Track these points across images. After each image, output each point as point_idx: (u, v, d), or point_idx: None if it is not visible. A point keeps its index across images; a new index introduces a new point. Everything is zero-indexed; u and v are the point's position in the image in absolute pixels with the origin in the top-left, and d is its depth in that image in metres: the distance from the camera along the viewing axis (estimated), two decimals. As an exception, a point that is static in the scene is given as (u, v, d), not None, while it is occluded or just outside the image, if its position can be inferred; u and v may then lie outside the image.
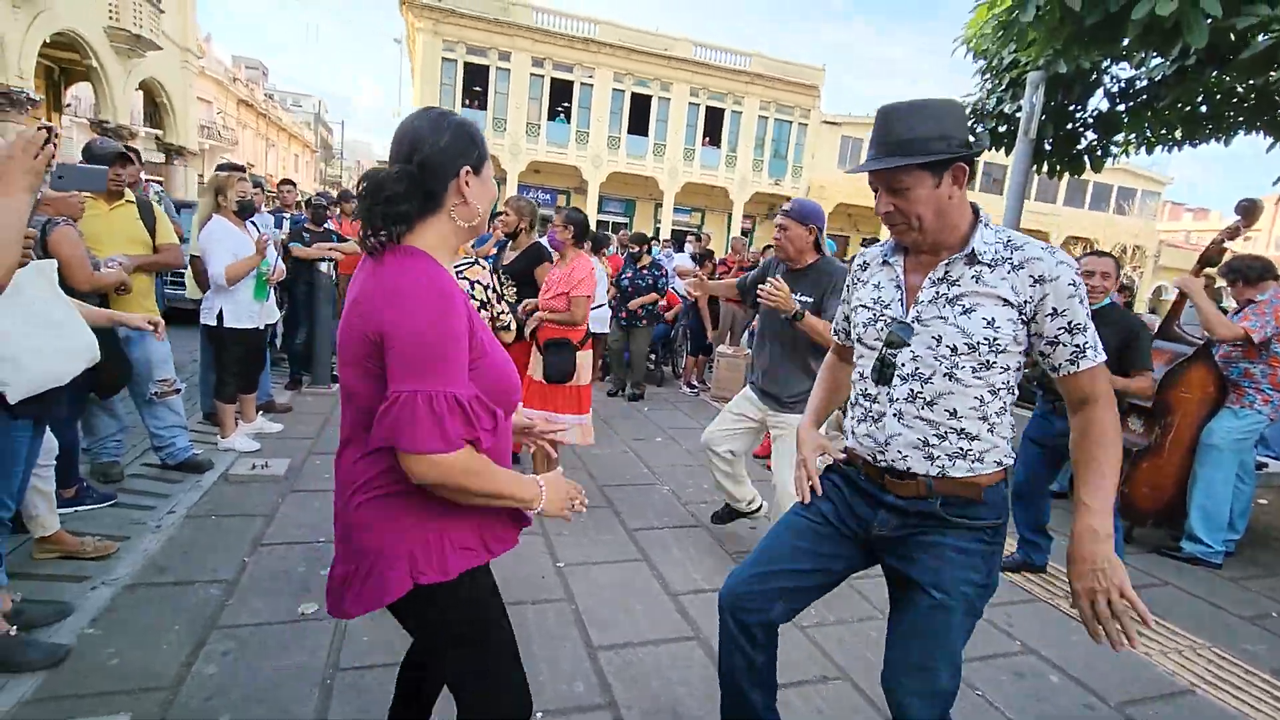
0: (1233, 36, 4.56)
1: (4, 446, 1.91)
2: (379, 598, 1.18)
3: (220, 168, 4.52)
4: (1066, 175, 7.03)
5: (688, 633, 2.55)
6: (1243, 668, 2.65)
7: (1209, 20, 4.22)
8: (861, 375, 1.53)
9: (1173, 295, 4.12)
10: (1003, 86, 6.75)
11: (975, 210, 1.42)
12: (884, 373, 1.46)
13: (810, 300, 2.83)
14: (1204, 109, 6.06)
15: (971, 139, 1.36)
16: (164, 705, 1.90)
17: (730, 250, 8.56)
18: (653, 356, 7.35)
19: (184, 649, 2.16)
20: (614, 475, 4.23)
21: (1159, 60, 5.48)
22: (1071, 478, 3.84)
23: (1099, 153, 6.77)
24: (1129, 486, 3.77)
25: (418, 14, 21.37)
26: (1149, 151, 6.79)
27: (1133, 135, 6.60)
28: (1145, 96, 6.10)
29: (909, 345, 1.41)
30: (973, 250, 1.36)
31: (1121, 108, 6.38)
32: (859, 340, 1.54)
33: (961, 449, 1.39)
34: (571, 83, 23.10)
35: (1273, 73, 4.16)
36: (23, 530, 2.58)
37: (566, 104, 23.32)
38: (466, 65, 22.15)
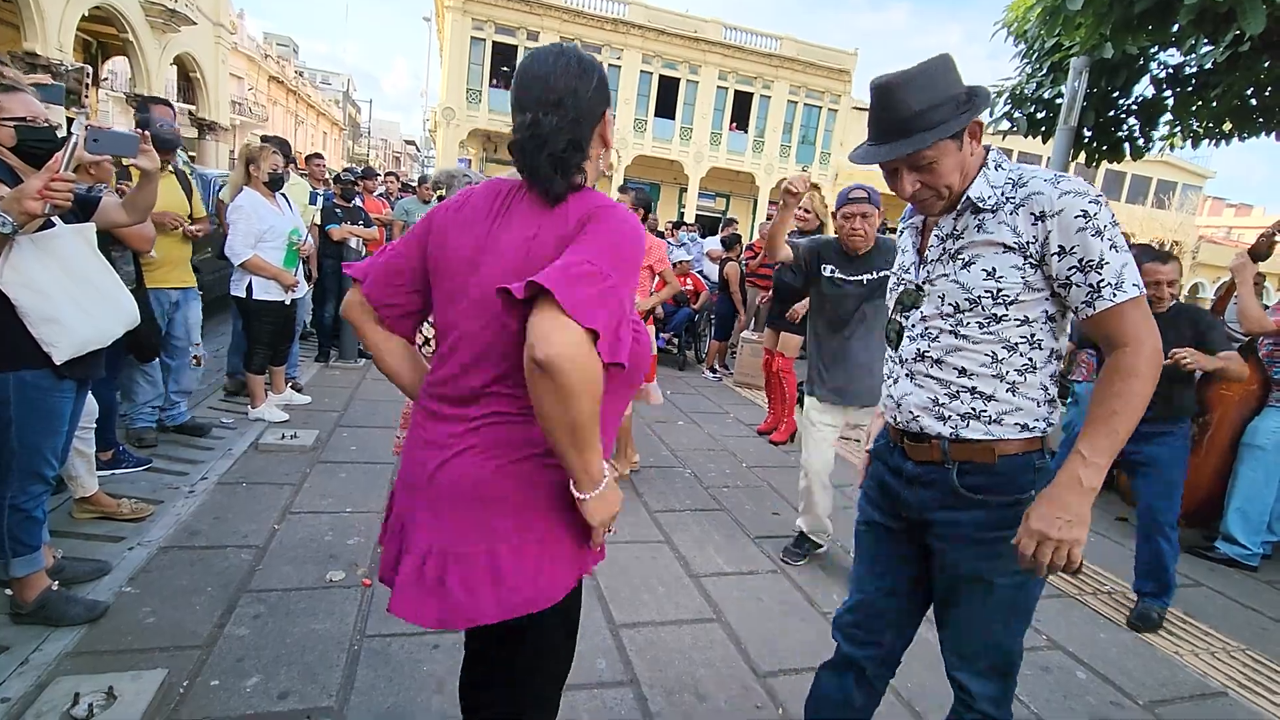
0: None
1: (50, 406, 1.95)
2: (531, 598, 1.08)
3: (265, 139, 4.55)
4: (1103, 167, 6.86)
5: (709, 614, 2.55)
6: (1279, 671, 2.59)
7: (1266, 5, 4.05)
8: (885, 340, 1.50)
9: (1209, 293, 3.99)
10: (1043, 71, 6.56)
11: (987, 153, 1.32)
12: (895, 336, 1.44)
13: (887, 272, 2.79)
14: (1254, 101, 5.83)
15: (970, 88, 1.26)
16: (198, 663, 1.95)
17: (758, 235, 8.48)
18: (675, 341, 7.33)
19: (216, 610, 2.21)
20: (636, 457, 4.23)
21: (1210, 47, 5.28)
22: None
23: (1140, 140, 6.57)
24: (1163, 485, 3.68)
25: (447, -8, 21.31)
26: (1195, 145, 6.57)
27: (1178, 127, 6.39)
28: (1194, 85, 5.89)
29: (920, 307, 1.36)
30: (971, 199, 1.27)
31: (1168, 95, 6.17)
32: (890, 310, 1.49)
33: (975, 409, 1.30)
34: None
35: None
36: (61, 490, 2.65)
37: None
38: (495, 45, 22.06)
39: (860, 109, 25.60)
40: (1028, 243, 1.21)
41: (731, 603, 2.65)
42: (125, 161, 2.60)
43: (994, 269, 1.25)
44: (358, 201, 6.02)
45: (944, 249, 1.33)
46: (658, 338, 7.36)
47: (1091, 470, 1.17)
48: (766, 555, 3.10)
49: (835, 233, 2.92)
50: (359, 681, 1.97)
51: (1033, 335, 1.27)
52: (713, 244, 8.65)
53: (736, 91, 24.13)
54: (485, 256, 1.11)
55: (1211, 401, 3.63)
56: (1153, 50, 5.82)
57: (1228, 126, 6.12)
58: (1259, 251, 3.46)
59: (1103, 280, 1.17)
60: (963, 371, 1.30)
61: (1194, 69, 5.76)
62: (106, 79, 19.64)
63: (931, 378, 1.34)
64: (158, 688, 1.77)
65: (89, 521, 2.66)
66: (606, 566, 2.80)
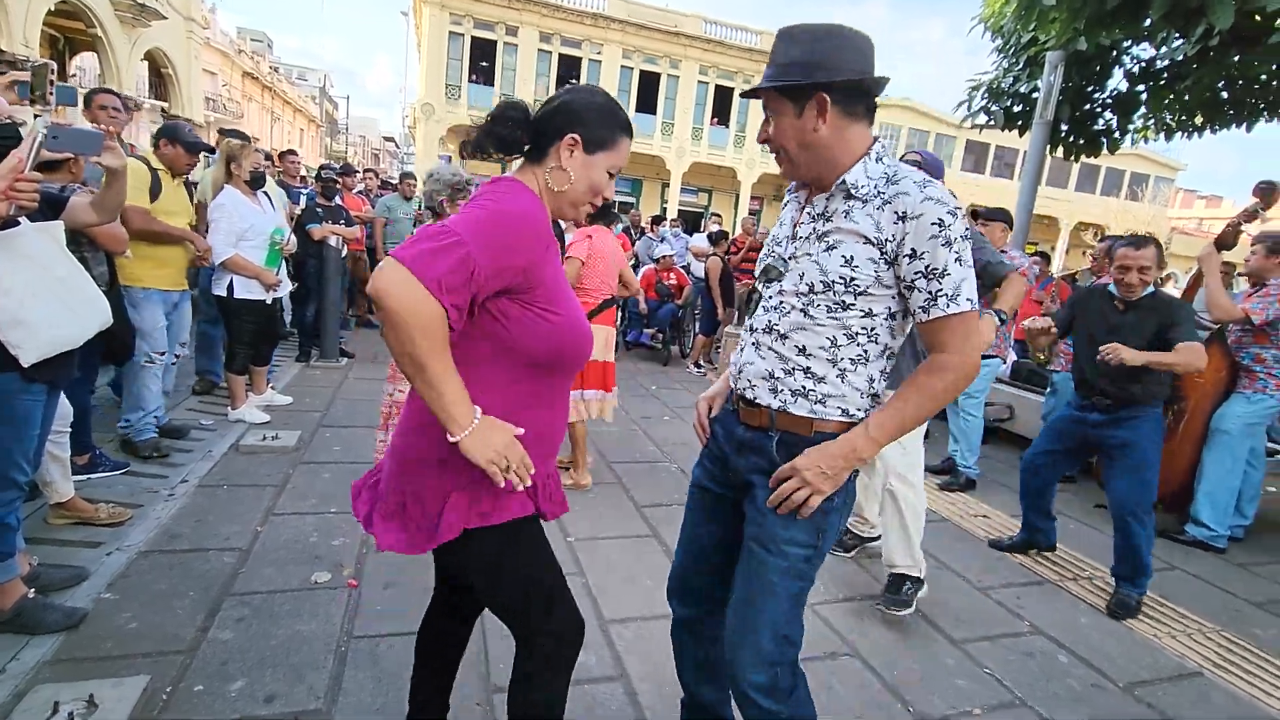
0: (1258, 18, 4.47)
1: (19, 410, 1.91)
2: (430, 537, 1.22)
3: (224, 132, 4.48)
4: (1078, 161, 6.95)
5: (840, 648, 2.55)
6: (1253, 652, 2.66)
7: (1235, 0, 4.14)
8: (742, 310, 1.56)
9: (1184, 283, 4.07)
10: (1019, 65, 6.65)
11: (874, 143, 1.32)
12: (751, 305, 1.49)
13: None
14: (1225, 94, 5.96)
15: (858, 69, 1.26)
16: (181, 668, 1.92)
17: (740, 230, 8.51)
18: (660, 336, 7.33)
19: (199, 614, 2.17)
20: (622, 453, 4.23)
21: (1181, 41, 5.38)
22: (1083, 464, 3.71)
23: (1116, 134, 6.68)
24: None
25: (424, -14, 21.09)
26: (1168, 137, 6.70)
27: (1151, 119, 6.52)
28: (1166, 78, 6.00)
29: (781, 281, 1.38)
30: (845, 184, 1.29)
31: (1141, 89, 6.29)
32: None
33: (804, 388, 1.34)
34: (579, 59, 22.83)
35: (1300, 56, 4.07)
36: (36, 496, 2.59)
37: (574, 80, 23.03)
38: (474, 40, 21.89)
39: (840, 103, 25.73)
40: (886, 240, 1.24)
41: (861, 633, 2.65)
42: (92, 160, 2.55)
43: (851, 257, 1.27)
44: (338, 200, 5.95)
45: (813, 229, 1.34)
46: (642, 334, 7.39)
47: (867, 443, 1.28)
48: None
49: None
50: (347, 683, 1.95)
51: (872, 329, 1.31)
52: (698, 240, 8.67)
53: (718, 86, 24.15)
54: None
55: (1186, 389, 3.71)
56: (1126, 44, 5.93)
57: (1199, 119, 6.25)
58: (1225, 242, 3.53)
59: (941, 290, 1.22)
60: (802, 350, 1.34)
61: (1166, 63, 5.87)
62: (75, 75, 19.21)
63: (774, 351, 1.37)
64: (140, 694, 1.74)
65: (65, 527, 2.61)
66: (593, 563, 2.80)
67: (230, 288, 3.80)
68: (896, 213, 1.23)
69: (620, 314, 7.93)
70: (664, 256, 7.39)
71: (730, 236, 8.29)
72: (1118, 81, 6.50)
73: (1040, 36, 6.00)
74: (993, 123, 7.04)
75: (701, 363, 7.14)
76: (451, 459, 1.17)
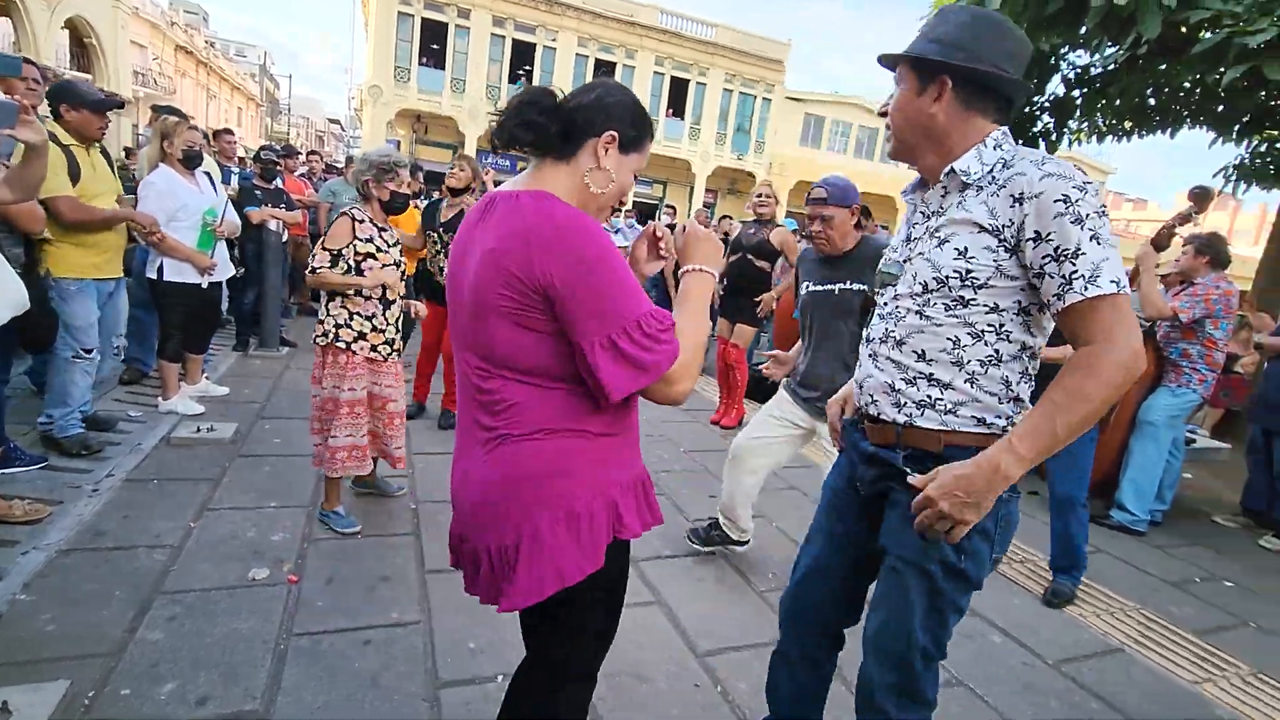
0: (1184, 30, 4.71)
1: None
2: (561, 573, 1.10)
3: (157, 109, 4.24)
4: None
5: (649, 598, 2.57)
6: (1169, 628, 2.83)
7: (1162, 11, 4.35)
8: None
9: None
10: (965, 68, 6.84)
11: (989, 135, 1.23)
12: (869, 314, 1.41)
13: (866, 287, 2.45)
14: (1153, 101, 6.28)
15: (995, 64, 1.19)
16: (105, 672, 1.82)
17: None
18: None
19: (126, 615, 2.06)
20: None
21: (1114, 49, 5.63)
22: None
23: (1054, 136, 6.96)
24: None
25: (372, -37, 20.39)
26: (1100, 140, 7.02)
27: (1085, 123, 6.81)
28: (1099, 84, 6.28)
29: (895, 286, 1.31)
30: (955, 172, 1.21)
31: (1077, 93, 6.56)
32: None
33: (929, 397, 1.24)
34: (534, 45, 22.48)
35: (1221, 70, 4.31)
36: (-57, 492, 2.42)
37: (528, 67, 22.70)
38: (424, 21, 21.28)
39: (794, 99, 26.11)
40: (1003, 226, 1.14)
41: (670, 585, 2.67)
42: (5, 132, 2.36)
43: (965, 248, 1.18)
44: (279, 182, 5.72)
45: (926, 226, 1.28)
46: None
47: (1013, 461, 1.10)
48: (694, 528, 3.14)
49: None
50: (286, 682, 1.89)
51: (1001, 325, 1.19)
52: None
53: (673, 78, 24.16)
54: (467, 260, 1.15)
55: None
56: (1064, 50, 6.17)
57: (1128, 124, 6.57)
58: (1160, 243, 3.72)
59: (1076, 272, 1.08)
60: (921, 355, 1.25)
61: (1099, 69, 6.14)
62: (-13, 42, 17.87)
63: (891, 361, 1.30)
64: (59, 700, 1.65)
65: (-24, 525, 2.44)
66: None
67: (160, 270, 3.60)
68: (1013, 195, 1.12)
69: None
70: (619, 248, 7.36)
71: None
72: (1056, 85, 6.77)
73: (984, 39, 6.18)
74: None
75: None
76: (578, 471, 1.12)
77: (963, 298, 1.19)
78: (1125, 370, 1.08)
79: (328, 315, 2.73)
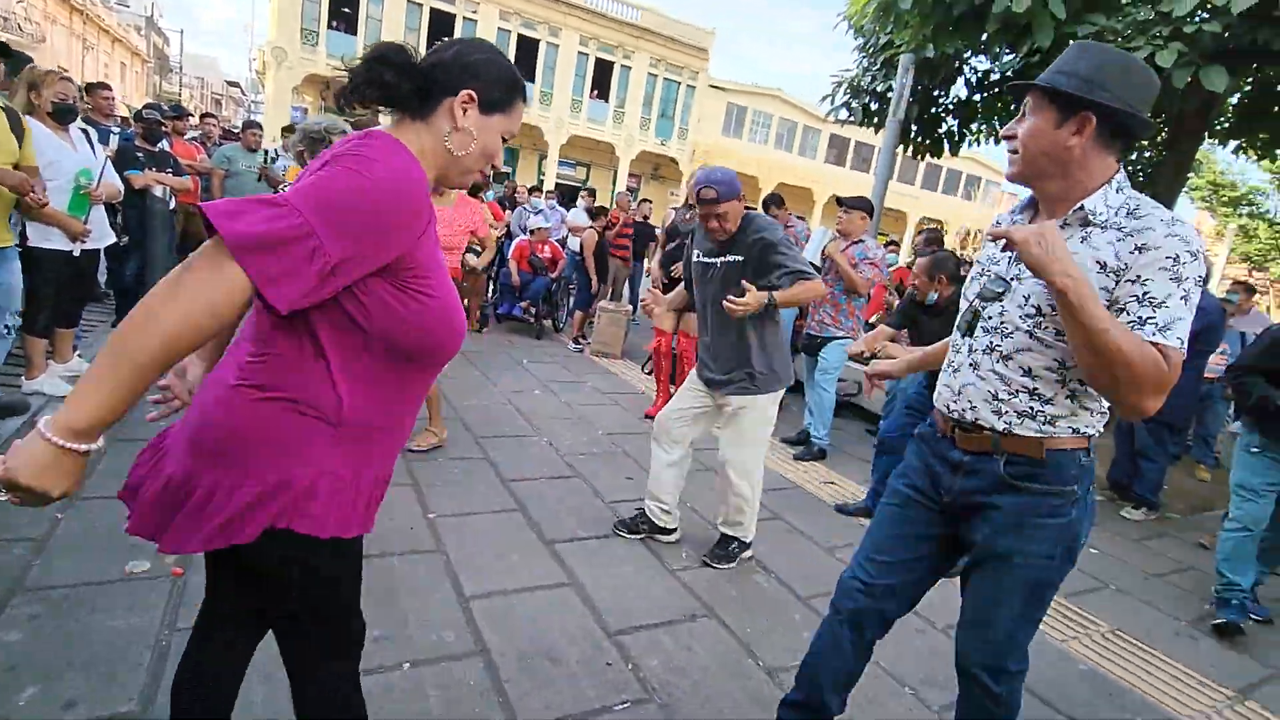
0: (1071, 43, 5.07)
1: None
2: (229, 531, 0.97)
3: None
4: (925, 158, 7.60)
5: (563, 579, 2.56)
6: (1063, 603, 3.07)
7: (1054, 23, 4.65)
8: (956, 328, 1.54)
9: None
10: (877, 65, 7.11)
11: (1114, 175, 1.32)
12: (971, 324, 1.47)
13: (742, 259, 2.63)
14: (1043, 107, 6.72)
15: (1127, 105, 1.26)
16: (-50, 679, 1.64)
17: (615, 206, 8.50)
18: (533, 310, 7.20)
19: (-23, 616, 1.86)
20: (490, 427, 4.12)
21: (1011, 56, 5.99)
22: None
23: (957, 138, 7.35)
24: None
25: (276, -86, 18.98)
26: (997, 143, 7.46)
27: (985, 125, 7.23)
28: (997, 90, 6.67)
29: (1001, 300, 1.40)
30: (1084, 210, 1.29)
31: (978, 98, 6.94)
32: (965, 296, 1.53)
33: (1031, 409, 1.35)
34: (453, 15, 21.64)
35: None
36: None
37: (448, 39, 21.77)
38: (334, -19, 20.05)
39: (717, 87, 26.39)
40: (1121, 268, 1.23)
41: (585, 566, 2.67)
42: None
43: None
44: (165, 145, 5.24)
45: None
46: (514, 306, 7.22)
47: (1077, 277, 1.18)
48: (620, 519, 3.16)
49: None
50: (168, 680, 1.75)
51: None
52: (574, 214, 8.57)
53: (598, 59, 23.89)
54: None
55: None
56: (967, 55, 6.50)
57: (1022, 129, 7.00)
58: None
59: (1153, 318, 1.18)
60: (1028, 371, 1.35)
61: (998, 75, 6.51)
62: None
63: (995, 373, 1.39)
64: (-109, 712, 1.47)
65: None
66: (457, 538, 2.72)
67: (23, 235, 3.24)
68: (1137, 245, 1.22)
69: (490, 286, 7.70)
70: (538, 229, 7.24)
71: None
72: (959, 89, 7.14)
73: (895, 40, 6.44)
74: (853, 119, 7.50)
75: (579, 339, 7.10)
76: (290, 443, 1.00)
77: None
78: (1147, 388, 1.19)
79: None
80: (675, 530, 3.00)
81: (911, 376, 4.32)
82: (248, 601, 1.22)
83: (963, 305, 1.53)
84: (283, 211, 0.89)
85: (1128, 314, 1.21)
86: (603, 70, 24.13)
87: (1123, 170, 1.34)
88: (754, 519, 2.89)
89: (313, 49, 20.00)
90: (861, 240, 4.48)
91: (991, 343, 1.41)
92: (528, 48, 22.69)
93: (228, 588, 1.23)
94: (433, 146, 1.09)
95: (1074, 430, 1.36)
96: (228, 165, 6.07)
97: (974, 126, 7.28)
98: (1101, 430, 1.40)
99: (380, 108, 1.09)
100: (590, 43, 23.56)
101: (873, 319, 5.62)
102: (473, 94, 1.08)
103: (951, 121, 7.34)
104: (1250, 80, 5.46)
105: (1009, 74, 6.19)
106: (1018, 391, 1.36)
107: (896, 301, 4.52)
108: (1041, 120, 1.31)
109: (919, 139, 7.38)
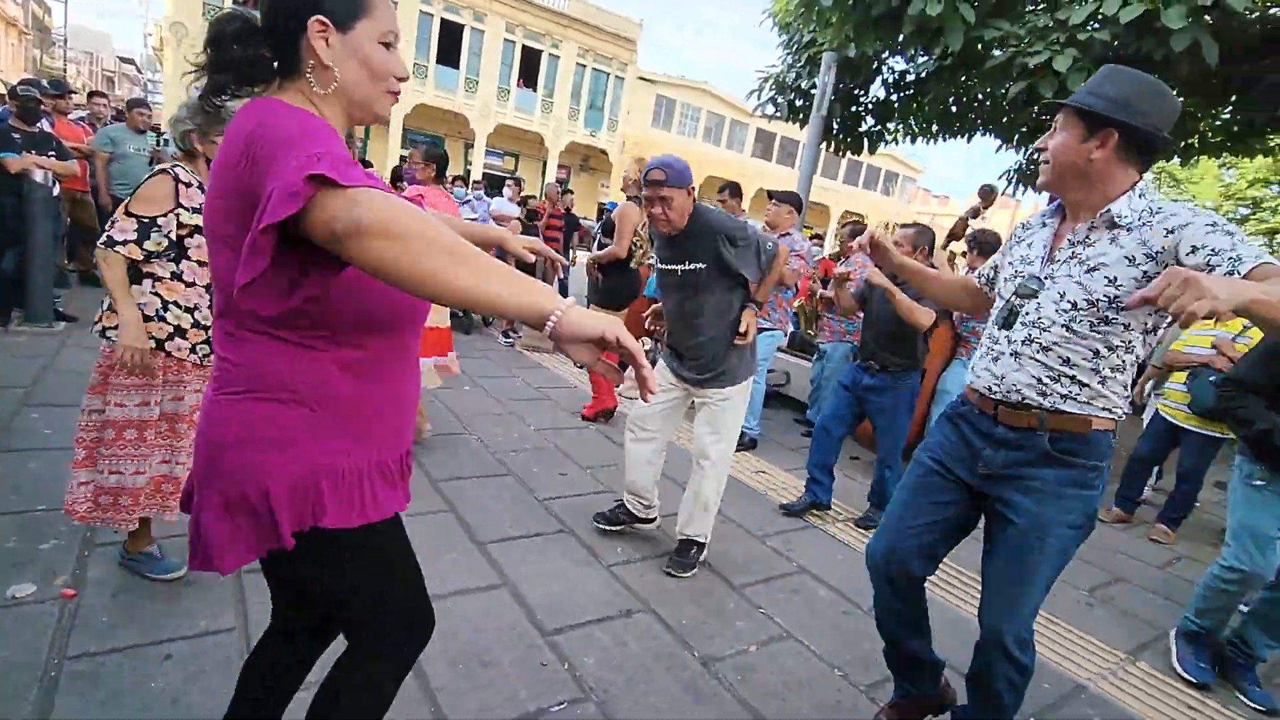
0: (980, 47, 5.33)
1: None
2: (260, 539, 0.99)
3: None
4: (847, 155, 7.85)
5: (495, 580, 2.51)
6: (954, 568, 3.24)
7: (964, 26, 4.88)
8: (992, 321, 1.70)
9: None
10: (801, 63, 7.28)
11: (1136, 185, 1.50)
12: (1009, 319, 1.63)
13: (704, 265, 2.59)
14: (954, 109, 7.06)
15: (1155, 124, 1.43)
16: None
17: (544, 198, 8.39)
18: (462, 303, 7.01)
19: None
20: (418, 426, 3.99)
21: (925, 58, 6.25)
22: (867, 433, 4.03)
23: (876, 136, 7.62)
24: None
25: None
26: (913, 141, 7.79)
27: (901, 125, 7.53)
28: (912, 90, 6.96)
29: (1036, 297, 1.57)
30: (1111, 214, 1.47)
31: (895, 97, 7.21)
32: (999, 293, 1.71)
33: (1071, 392, 1.53)
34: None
35: (1006, 85, 4.92)
36: None
37: None
38: (239, -46, 18.80)
39: (645, 79, 26.41)
40: (1158, 252, 1.40)
41: (518, 566, 2.63)
42: None
43: (1115, 278, 1.45)
44: (46, 125, 4.80)
45: (1073, 252, 1.54)
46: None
47: (1256, 292, 1.14)
48: (554, 516, 3.12)
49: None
50: (59, 712, 1.61)
51: (1130, 341, 1.50)
52: (502, 204, 8.39)
53: (524, 47, 23.43)
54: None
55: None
56: (885, 56, 6.74)
57: (935, 128, 7.34)
58: (956, 232, 4.21)
59: (1239, 254, 1.27)
60: (1066, 361, 1.53)
61: (913, 76, 6.79)
62: None
63: (1036, 360, 1.56)
64: None
65: None
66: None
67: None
68: (1166, 228, 1.39)
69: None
70: (468, 220, 7.06)
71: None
72: (878, 89, 7.40)
73: (819, 38, 6.60)
74: (779, 114, 7.66)
75: (510, 332, 6.97)
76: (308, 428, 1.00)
77: (1106, 318, 1.48)
78: None
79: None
80: (655, 520, 3.04)
81: (841, 360, 4.44)
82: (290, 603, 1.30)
83: (998, 303, 1.71)
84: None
85: (1218, 267, 1.28)
86: (530, 59, 23.70)
87: (1145, 181, 1.52)
88: (714, 516, 2.88)
89: (216, 26, 18.72)
90: (789, 233, 4.58)
91: (1030, 335, 1.58)
92: (452, 32, 22.01)
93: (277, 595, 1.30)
94: (312, 98, 1.01)
95: (1106, 411, 1.55)
96: (112, 148, 5.54)
97: (891, 125, 7.57)
98: (1126, 413, 1.58)
99: (254, 87, 1.03)
100: (517, 30, 23.08)
101: (795, 305, 5.76)
102: (322, 20, 0.97)
103: (870, 120, 7.60)
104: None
105: (922, 75, 6.47)
106: (1059, 377, 1.54)
107: (822, 291, 4.65)
108: (1070, 135, 1.49)
109: (841, 136, 7.61)
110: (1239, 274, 1.29)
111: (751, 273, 2.66)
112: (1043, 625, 2.87)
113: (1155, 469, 4.66)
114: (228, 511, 0.99)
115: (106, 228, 1.97)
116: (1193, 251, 1.35)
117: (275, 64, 1.01)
